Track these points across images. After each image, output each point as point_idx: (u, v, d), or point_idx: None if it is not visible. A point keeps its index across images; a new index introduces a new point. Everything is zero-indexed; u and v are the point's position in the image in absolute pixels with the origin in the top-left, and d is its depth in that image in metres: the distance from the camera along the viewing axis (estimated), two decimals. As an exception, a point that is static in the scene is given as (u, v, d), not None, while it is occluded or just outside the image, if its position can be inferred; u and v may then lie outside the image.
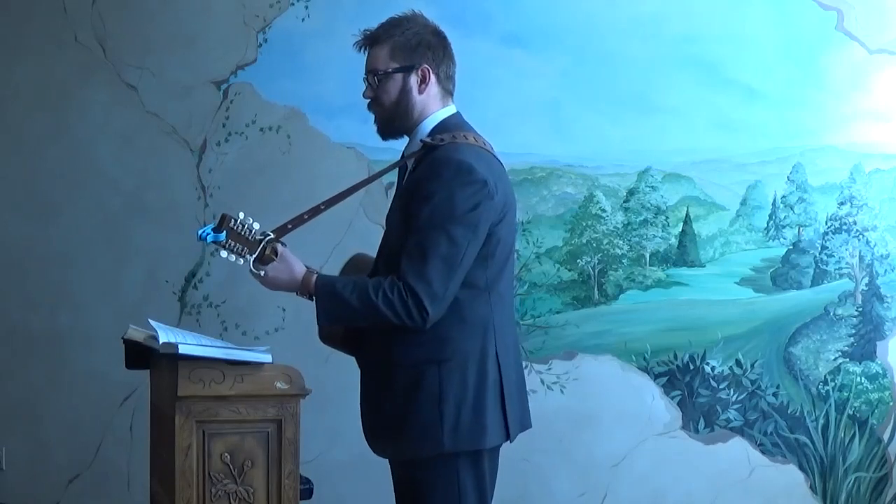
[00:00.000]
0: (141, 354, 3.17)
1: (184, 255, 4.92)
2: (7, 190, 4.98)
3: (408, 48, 2.89)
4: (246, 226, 2.79)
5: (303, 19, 4.92)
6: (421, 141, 2.86)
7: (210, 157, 4.93)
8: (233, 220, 2.76)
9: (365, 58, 2.95)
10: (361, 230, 4.72)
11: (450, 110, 2.95)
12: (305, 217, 2.90)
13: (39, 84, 4.97)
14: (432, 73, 2.90)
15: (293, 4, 4.92)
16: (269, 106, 4.92)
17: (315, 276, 2.84)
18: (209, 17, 4.93)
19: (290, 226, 2.87)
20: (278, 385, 2.86)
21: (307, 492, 3.08)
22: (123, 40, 4.95)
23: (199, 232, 2.74)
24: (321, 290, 2.80)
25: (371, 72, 2.90)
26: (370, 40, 2.93)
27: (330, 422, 4.67)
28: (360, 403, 2.95)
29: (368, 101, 2.93)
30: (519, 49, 4.91)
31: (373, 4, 4.84)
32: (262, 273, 2.83)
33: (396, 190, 3.00)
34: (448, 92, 2.96)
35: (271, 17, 4.92)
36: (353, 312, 2.76)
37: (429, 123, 2.90)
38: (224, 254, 2.77)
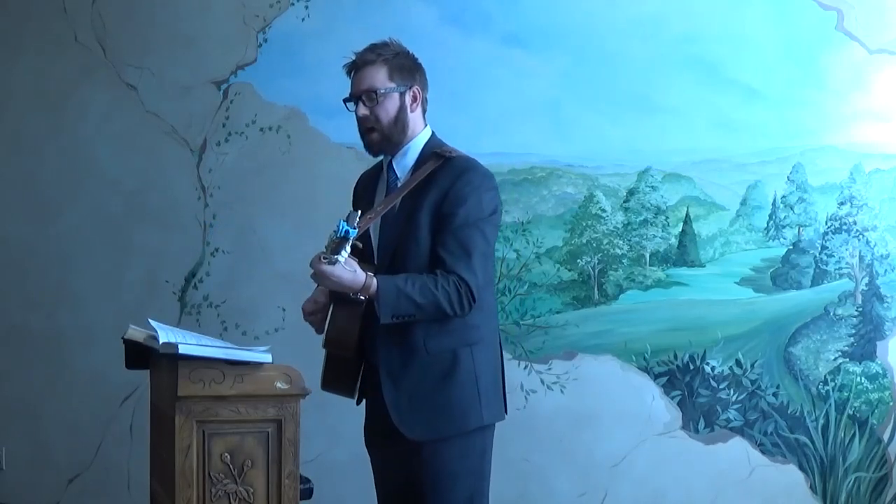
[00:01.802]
0: (141, 354, 3.17)
1: (184, 255, 4.93)
2: (7, 190, 4.98)
3: (404, 70, 3.14)
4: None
5: (303, 19, 4.92)
6: (433, 153, 3.10)
7: (210, 157, 4.94)
8: (356, 217, 2.91)
9: (353, 79, 3.15)
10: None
11: (429, 130, 3.21)
12: (370, 218, 3.07)
13: (39, 84, 4.98)
14: (421, 94, 3.16)
15: (293, 4, 4.92)
16: (269, 106, 4.92)
17: (374, 277, 2.98)
18: (209, 17, 4.93)
19: (361, 223, 3.01)
20: (278, 385, 2.87)
21: (307, 492, 3.08)
22: (123, 40, 4.95)
23: (340, 226, 2.86)
24: (385, 289, 2.97)
25: (368, 91, 3.10)
26: (363, 62, 3.13)
27: (330, 422, 4.67)
28: (385, 394, 3.08)
29: (361, 117, 3.12)
30: (519, 49, 4.91)
31: (372, 4, 4.87)
32: (352, 270, 2.93)
33: (393, 196, 3.11)
34: (425, 112, 3.22)
35: (271, 17, 4.93)
36: (416, 307, 2.98)
37: (421, 139, 3.17)
38: (346, 249, 2.87)
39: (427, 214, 3.05)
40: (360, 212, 2.93)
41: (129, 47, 4.95)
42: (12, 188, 4.98)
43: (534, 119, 4.90)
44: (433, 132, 3.20)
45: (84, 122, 4.96)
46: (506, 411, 3.22)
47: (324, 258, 2.88)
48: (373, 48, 3.14)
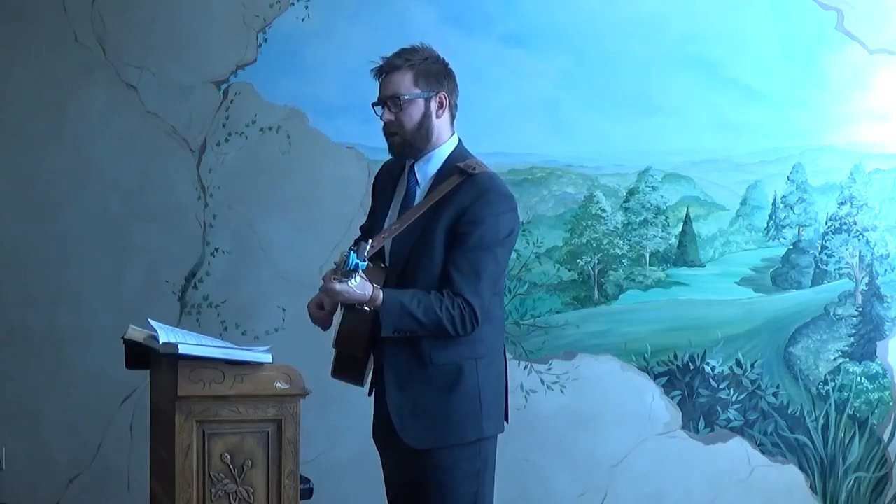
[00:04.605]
0: (141, 354, 3.18)
1: (184, 255, 4.93)
2: (7, 190, 4.98)
3: (430, 75, 3.14)
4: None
5: (303, 19, 4.92)
6: (457, 167, 3.11)
7: (210, 157, 4.94)
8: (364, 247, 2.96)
9: (380, 84, 3.16)
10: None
11: (456, 138, 3.22)
12: (384, 237, 3.12)
13: (39, 84, 4.97)
14: (448, 101, 3.16)
15: (293, 4, 4.92)
16: (269, 106, 4.92)
17: (381, 291, 3.02)
18: (209, 17, 4.93)
19: (373, 244, 3.04)
20: (278, 385, 2.87)
21: (307, 492, 3.09)
22: (123, 40, 4.95)
23: (351, 261, 2.89)
24: (389, 304, 3.01)
25: (393, 96, 3.12)
26: (390, 67, 3.14)
27: (330, 422, 4.67)
28: (390, 399, 3.12)
29: (386, 123, 3.14)
30: (519, 49, 4.91)
31: (373, 4, 4.87)
32: (354, 289, 2.97)
33: (406, 206, 3.16)
34: (453, 118, 3.22)
35: (271, 17, 4.93)
36: (419, 325, 3.02)
37: (445, 150, 3.18)
38: (357, 278, 2.94)
39: (443, 230, 3.07)
40: (370, 241, 2.96)
41: (129, 47, 4.95)
42: (12, 188, 4.98)
43: (534, 119, 4.90)
44: (460, 140, 3.21)
45: (84, 122, 4.96)
46: (507, 420, 3.25)
47: (334, 277, 2.94)
48: (401, 53, 3.16)
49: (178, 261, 4.93)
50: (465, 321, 3.03)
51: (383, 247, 3.20)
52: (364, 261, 2.91)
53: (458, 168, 3.11)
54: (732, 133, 4.95)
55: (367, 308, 3.01)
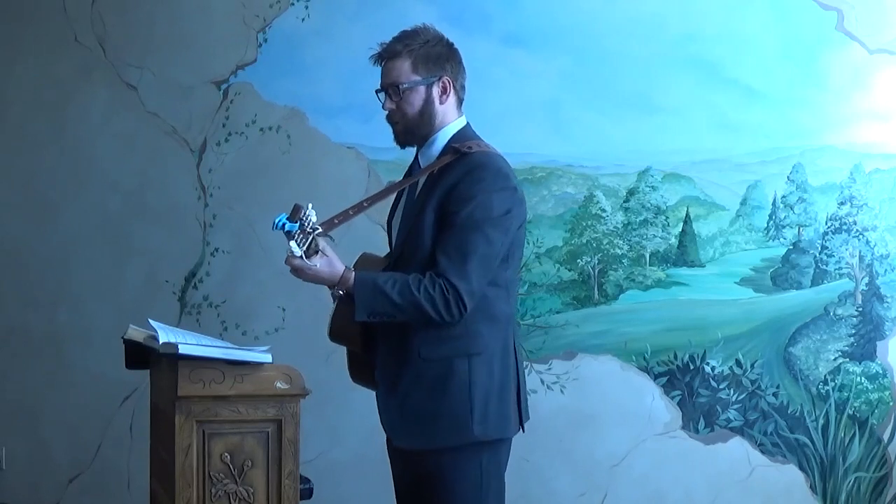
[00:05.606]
0: (141, 354, 3.18)
1: (184, 255, 4.93)
2: (7, 190, 4.98)
3: (430, 60, 3.01)
4: (308, 217, 2.81)
5: (303, 19, 4.92)
6: (451, 147, 2.99)
7: (210, 157, 4.94)
8: (303, 211, 2.80)
9: (381, 70, 3.04)
10: (362, 230, 4.70)
11: (463, 121, 3.08)
12: (350, 213, 2.97)
13: (39, 84, 4.98)
14: (452, 84, 3.04)
15: (293, 4, 4.92)
16: (269, 106, 4.92)
17: (353, 272, 2.91)
18: (209, 17, 4.93)
19: (336, 221, 2.93)
20: (278, 385, 2.87)
21: (307, 492, 3.08)
22: (123, 40, 4.95)
23: (276, 220, 2.77)
24: (362, 285, 2.87)
25: (393, 84, 3.00)
26: (389, 54, 3.02)
27: (330, 422, 4.68)
28: (380, 397, 3.03)
29: (388, 112, 3.02)
30: (519, 49, 4.91)
31: (373, 4, 4.87)
32: (315, 265, 2.85)
33: (412, 192, 3.05)
34: (461, 101, 3.09)
35: (271, 17, 4.93)
36: (394, 307, 2.85)
37: (448, 132, 3.03)
38: (292, 244, 2.79)
39: (433, 211, 2.92)
40: (309, 204, 2.80)
41: (129, 47, 4.95)
42: (12, 188, 4.98)
43: (534, 119, 4.90)
44: (467, 124, 3.07)
45: (84, 122, 4.96)
46: (522, 428, 3.08)
47: (290, 254, 2.81)
48: (401, 38, 3.02)
49: (178, 261, 4.93)
50: (448, 304, 2.83)
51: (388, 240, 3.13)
52: (296, 223, 2.74)
53: (454, 147, 2.97)
54: (732, 133, 4.94)
55: (341, 291, 2.89)
